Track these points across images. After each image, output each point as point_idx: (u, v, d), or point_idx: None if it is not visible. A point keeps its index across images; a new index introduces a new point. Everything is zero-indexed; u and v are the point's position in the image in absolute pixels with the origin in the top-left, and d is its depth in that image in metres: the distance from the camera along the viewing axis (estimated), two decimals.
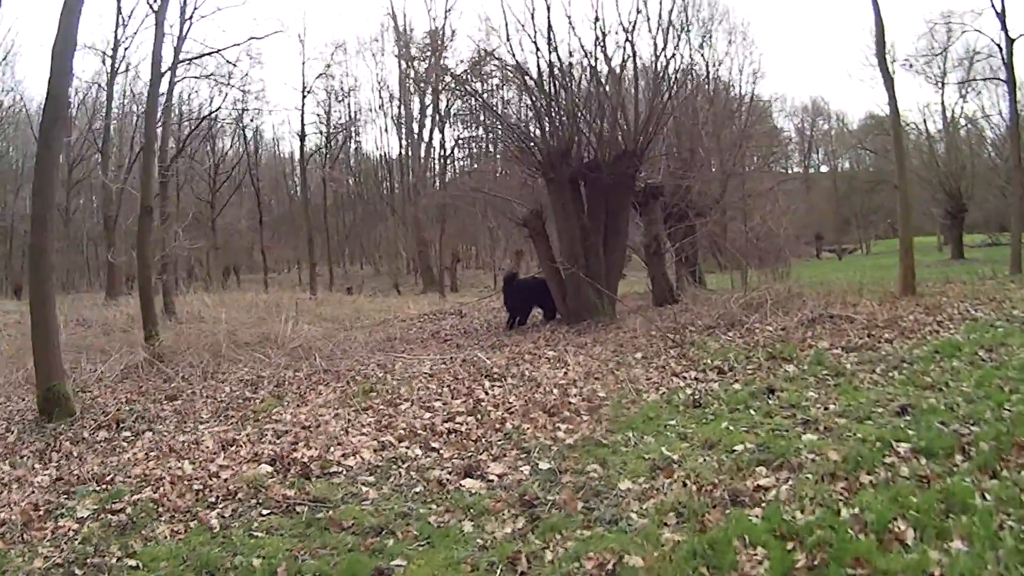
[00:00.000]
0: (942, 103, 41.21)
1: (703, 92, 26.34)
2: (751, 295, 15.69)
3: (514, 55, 16.93)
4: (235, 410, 10.10)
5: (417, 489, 6.18)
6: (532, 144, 16.77)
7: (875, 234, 61.79)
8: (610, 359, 11.56)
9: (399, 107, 49.99)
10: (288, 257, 59.06)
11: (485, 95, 19.69)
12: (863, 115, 55.52)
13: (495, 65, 19.32)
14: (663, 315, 15.73)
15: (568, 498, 5.73)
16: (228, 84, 35.81)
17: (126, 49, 30.67)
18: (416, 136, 47.56)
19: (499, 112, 18.20)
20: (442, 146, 47.46)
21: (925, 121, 44.04)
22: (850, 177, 58.94)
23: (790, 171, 58.51)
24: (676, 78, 17.73)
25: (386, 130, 64.65)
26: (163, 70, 21.27)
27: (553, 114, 16.06)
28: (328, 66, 45.03)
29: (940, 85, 39.79)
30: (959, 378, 8.57)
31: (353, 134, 55.49)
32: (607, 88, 16.65)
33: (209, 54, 26.02)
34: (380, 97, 56.58)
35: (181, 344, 15.63)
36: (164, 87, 30.61)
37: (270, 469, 6.91)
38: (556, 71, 16.10)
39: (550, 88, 16.05)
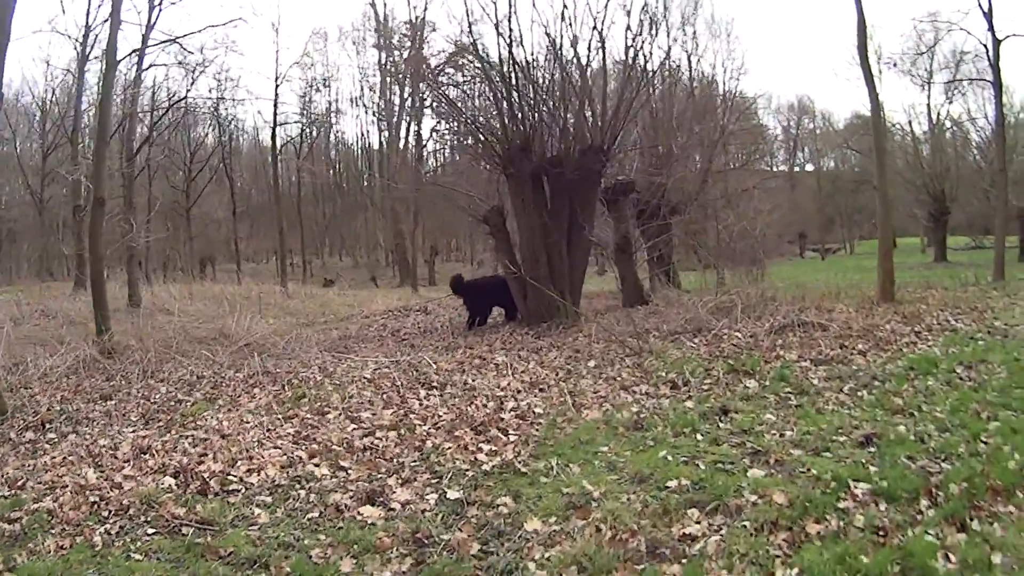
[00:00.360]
0: (928, 104, 40.61)
1: (681, 86, 25.38)
2: (721, 299, 14.82)
3: (474, 42, 16.01)
4: (165, 413, 9.54)
5: (312, 515, 5.60)
6: (491, 138, 15.82)
7: (859, 234, 61.20)
8: (562, 367, 10.74)
9: (378, 98, 48.92)
10: (267, 247, 58.06)
11: (463, 87, 18.48)
12: (849, 114, 54.85)
13: (466, 58, 18.24)
14: (628, 319, 14.85)
15: (464, 538, 4.94)
16: (199, 72, 34.58)
17: (96, 35, 29.27)
18: (394, 127, 46.52)
19: (458, 104, 17.05)
20: (418, 138, 46.38)
21: (911, 122, 43.35)
22: (834, 176, 58.25)
23: (775, 169, 57.73)
24: (646, 69, 16.76)
25: (366, 121, 63.26)
26: (121, 57, 20.28)
27: (513, 105, 15.11)
28: (305, 55, 44.00)
29: (926, 86, 39.18)
30: (933, 401, 7.73)
31: (332, 124, 54.47)
32: (573, 79, 15.70)
33: (168, 41, 24.78)
34: (360, 87, 55.49)
35: (133, 339, 14.98)
36: (131, 75, 29.76)
37: (172, 482, 6.40)
38: (516, 59, 15.15)
39: (509, 77, 15.10)
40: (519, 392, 9.35)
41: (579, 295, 16.02)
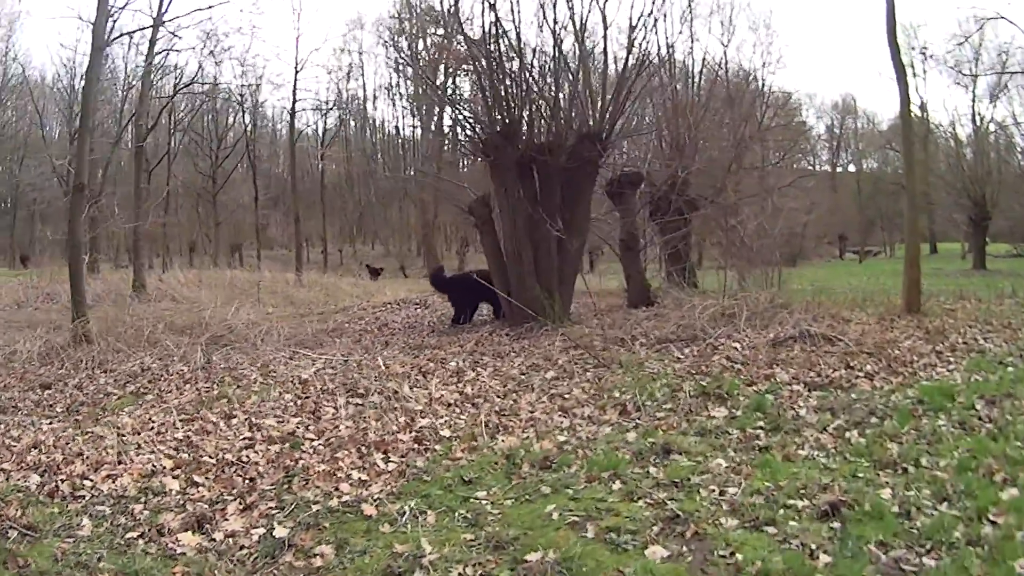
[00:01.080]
0: (972, 105, 37.96)
1: (710, 75, 23.45)
2: (727, 304, 13.12)
3: (456, 15, 14.39)
4: (88, 406, 8.87)
5: (132, 534, 5.01)
6: (474, 123, 14.27)
7: (900, 237, 58.41)
8: (515, 377, 9.38)
9: (410, 86, 47.43)
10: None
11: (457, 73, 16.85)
12: (892, 115, 52.13)
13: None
14: (621, 322, 13.28)
15: None
16: (214, 56, 33.21)
17: (115, 21, 28.03)
18: (424, 115, 44.98)
19: (440, 89, 15.42)
20: (439, 127, 44.74)
21: (953, 124, 40.87)
22: (876, 178, 55.59)
23: (817, 168, 55.45)
24: (648, 51, 15.01)
25: (401, 109, 61.84)
26: (112, 38, 19.06)
27: (497, 86, 13.47)
28: (336, 46, 42.47)
29: (971, 83, 36.57)
30: (938, 451, 6.05)
31: (362, 112, 53.06)
32: (568, 58, 14.06)
33: (153, 26, 23.31)
34: (395, 75, 53.97)
35: (109, 327, 13.93)
36: (134, 57, 28.57)
37: (37, 481, 6.00)
38: (502, 33, 13.53)
39: (494, 54, 13.50)
40: (449, 406, 8.02)
41: (570, 293, 14.36)
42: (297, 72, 38.36)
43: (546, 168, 13.47)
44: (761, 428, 6.78)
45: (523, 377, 9.27)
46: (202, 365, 10.60)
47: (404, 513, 5.03)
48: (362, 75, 52.37)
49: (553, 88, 13.88)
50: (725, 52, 31.44)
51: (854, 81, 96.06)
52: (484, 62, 13.45)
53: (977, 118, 37.26)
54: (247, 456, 6.47)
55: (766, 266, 15.42)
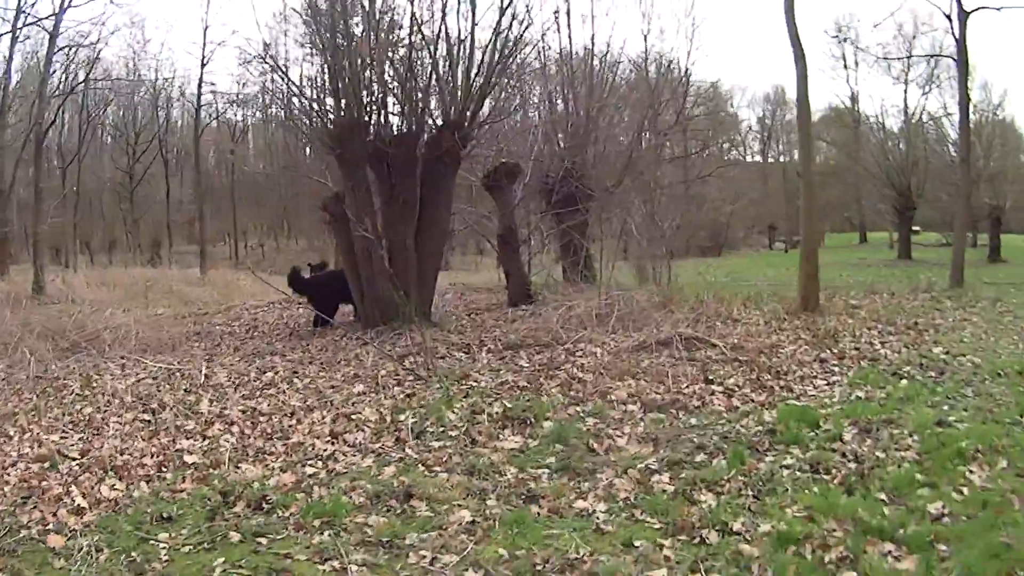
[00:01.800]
0: (904, 96, 36.79)
1: (611, 65, 21.78)
2: (597, 304, 11.57)
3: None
4: None
5: None
6: (320, 113, 12.55)
7: (830, 227, 57.56)
8: (324, 391, 8.06)
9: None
10: (226, 230, 54.48)
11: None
12: (824, 107, 51.04)
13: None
14: (485, 325, 11.98)
15: None
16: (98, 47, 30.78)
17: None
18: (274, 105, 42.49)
19: (285, 76, 13.49)
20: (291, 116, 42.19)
21: (882, 114, 39.80)
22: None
23: (749, 159, 54.44)
24: (520, 37, 13.25)
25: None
26: None
27: (345, 73, 11.78)
28: (235, 34, 40.09)
29: (900, 72, 35.41)
30: (764, 511, 4.44)
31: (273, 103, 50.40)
32: (425, 43, 12.32)
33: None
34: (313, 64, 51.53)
35: None
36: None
37: None
38: (348, 14, 11.82)
39: (341, 39, 11.79)
40: (231, 424, 6.89)
41: (431, 293, 12.80)
42: (204, 63, 35.82)
43: (401, 161, 11.87)
44: (547, 467, 5.35)
45: (331, 391, 7.93)
46: (37, 375, 9.37)
47: (81, 549, 4.29)
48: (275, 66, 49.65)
49: (409, 76, 12.13)
50: (646, 39, 29.64)
51: (787, 74, 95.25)
52: (333, 53, 11.73)
53: (908, 110, 36.23)
54: None
55: (654, 260, 13.82)
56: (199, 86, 35.18)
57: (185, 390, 8.28)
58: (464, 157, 12.83)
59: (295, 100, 13.34)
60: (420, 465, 5.47)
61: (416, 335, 10.28)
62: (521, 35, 12.89)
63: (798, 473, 5.04)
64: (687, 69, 31.02)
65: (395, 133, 12.12)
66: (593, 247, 16.88)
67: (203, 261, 31.54)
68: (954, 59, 17.19)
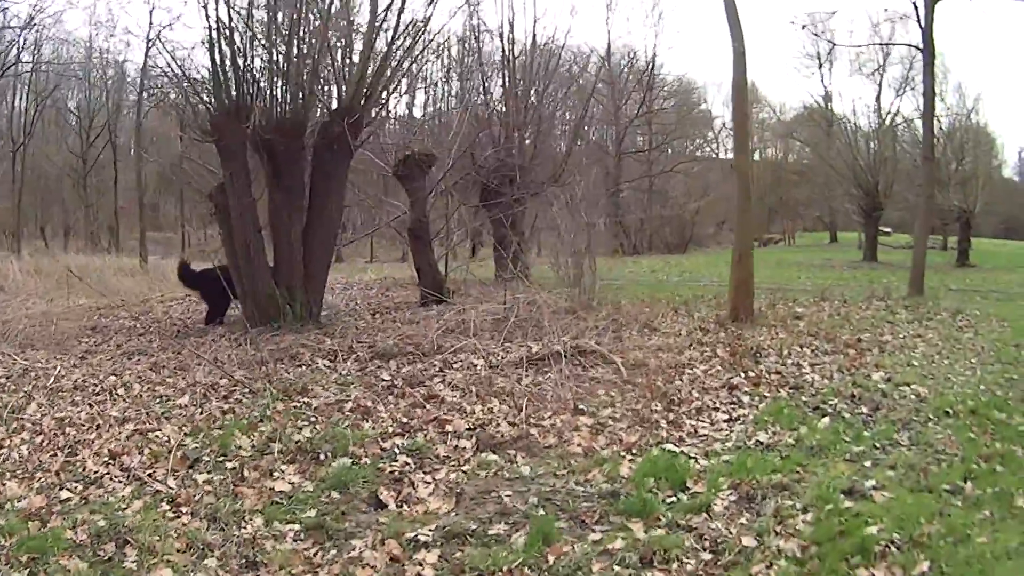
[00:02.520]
0: (877, 97, 34.89)
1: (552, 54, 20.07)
2: (494, 308, 9.94)
3: None
4: None
5: None
6: (198, 100, 10.96)
7: (803, 225, 55.93)
8: (148, 401, 6.72)
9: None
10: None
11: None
12: (798, 105, 49.29)
13: None
14: (376, 327, 10.37)
15: None
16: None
17: None
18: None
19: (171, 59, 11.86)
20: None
21: (853, 113, 38.09)
22: (776, 167, 52.75)
23: (722, 156, 52.76)
24: (428, 19, 11.56)
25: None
26: None
27: (225, 55, 10.28)
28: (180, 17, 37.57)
29: (876, 75, 33.61)
30: None
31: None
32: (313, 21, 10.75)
33: None
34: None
35: None
36: None
37: None
38: None
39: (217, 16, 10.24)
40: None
41: (320, 290, 11.31)
42: (149, 45, 33.17)
43: (285, 149, 10.48)
44: (299, 523, 4.14)
45: (158, 402, 6.64)
46: None
47: None
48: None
49: (295, 58, 10.55)
50: (609, 33, 27.97)
51: (763, 72, 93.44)
52: (213, 31, 10.13)
53: (881, 110, 34.50)
54: None
55: (575, 257, 12.07)
56: (143, 69, 32.82)
57: (26, 392, 7.11)
58: (358, 146, 11.31)
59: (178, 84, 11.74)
60: (166, 503, 4.42)
61: (290, 336, 9.07)
62: (428, 18, 11.39)
63: (618, 568, 3.33)
64: (651, 61, 28.95)
65: (277, 122, 10.48)
66: (528, 243, 15.21)
67: (143, 249, 29.44)
68: (919, 48, 15.41)
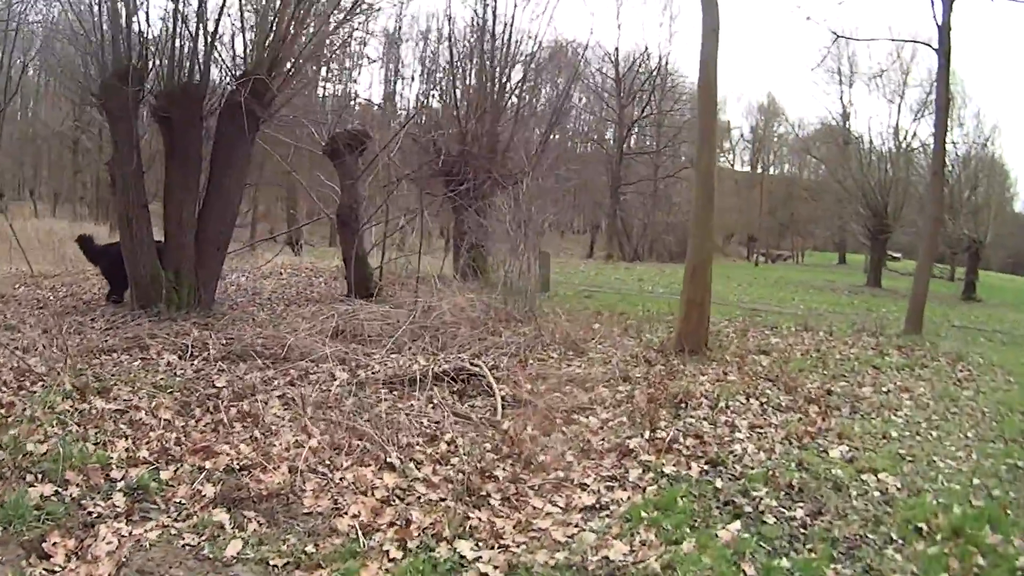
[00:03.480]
0: (896, 118, 32.46)
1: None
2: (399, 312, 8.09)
3: None
4: None
5: None
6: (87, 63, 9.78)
7: (812, 243, 53.33)
8: None
9: None
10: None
11: None
12: (815, 120, 46.66)
13: None
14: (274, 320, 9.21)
15: None
16: None
17: None
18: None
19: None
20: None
21: (870, 131, 35.58)
22: (789, 182, 50.25)
23: (738, 168, 50.57)
24: None
25: None
26: None
27: (116, 16, 9.16)
28: None
29: (897, 97, 31.20)
30: None
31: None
32: None
33: None
34: None
35: None
36: None
37: None
38: None
39: None
40: None
41: (213, 275, 10.05)
42: None
43: (182, 119, 9.32)
44: None
45: None
46: None
47: None
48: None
49: (196, 16, 9.30)
50: (619, 28, 25.91)
51: (782, 87, 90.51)
52: None
53: (898, 132, 32.06)
54: None
55: (515, 258, 10.05)
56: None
57: None
58: (264, 119, 9.89)
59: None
60: None
61: (152, 324, 8.15)
62: None
63: None
64: (662, 61, 26.81)
65: (172, 88, 9.27)
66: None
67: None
68: (934, 48, 13.15)
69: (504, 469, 4.43)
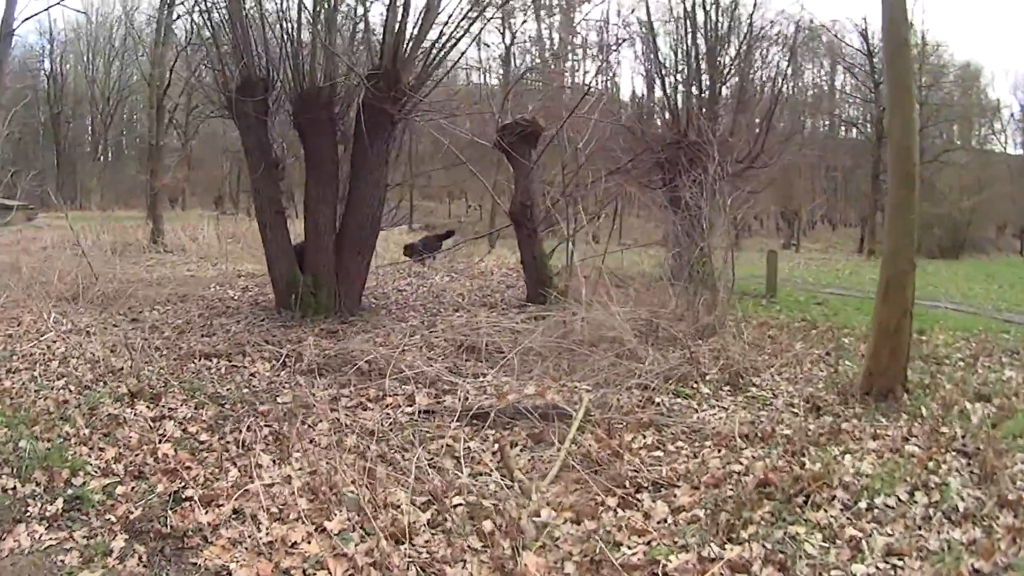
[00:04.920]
0: None
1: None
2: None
3: None
4: None
5: None
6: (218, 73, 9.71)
7: None
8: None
9: None
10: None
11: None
12: None
13: None
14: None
15: None
16: None
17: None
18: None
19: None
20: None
21: None
22: None
23: (1011, 152, 43.61)
24: None
25: None
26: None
27: (246, 24, 9.03)
28: None
29: None
30: None
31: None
32: None
33: None
34: None
35: None
36: None
37: None
38: None
39: None
40: None
41: (357, 281, 9.70)
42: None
43: (313, 124, 9.19)
44: None
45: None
46: None
47: None
48: None
49: (324, 29, 9.15)
50: None
51: None
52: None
53: None
54: None
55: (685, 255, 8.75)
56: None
57: None
58: (400, 118, 9.30)
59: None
60: None
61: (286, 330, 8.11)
62: None
63: None
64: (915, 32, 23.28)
65: (301, 93, 9.12)
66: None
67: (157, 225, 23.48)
68: None
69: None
